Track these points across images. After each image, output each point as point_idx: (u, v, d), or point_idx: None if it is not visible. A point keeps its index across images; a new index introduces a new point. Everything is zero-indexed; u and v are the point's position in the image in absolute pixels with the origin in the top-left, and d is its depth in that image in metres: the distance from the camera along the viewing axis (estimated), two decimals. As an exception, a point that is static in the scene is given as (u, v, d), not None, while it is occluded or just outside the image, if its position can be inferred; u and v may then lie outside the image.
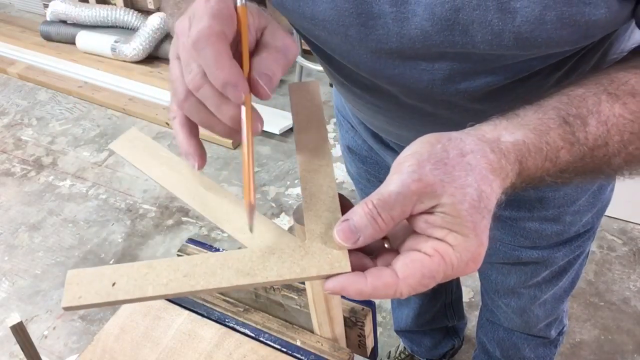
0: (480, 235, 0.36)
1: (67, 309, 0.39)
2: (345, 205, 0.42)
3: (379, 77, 0.54)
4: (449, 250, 0.36)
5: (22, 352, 0.70)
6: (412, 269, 0.36)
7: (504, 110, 0.43)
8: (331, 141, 2.27)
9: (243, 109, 0.39)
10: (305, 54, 2.17)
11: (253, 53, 0.41)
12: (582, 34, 0.43)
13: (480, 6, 0.42)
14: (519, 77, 0.51)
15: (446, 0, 0.43)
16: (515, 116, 0.41)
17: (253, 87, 0.40)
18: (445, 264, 0.36)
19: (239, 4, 0.40)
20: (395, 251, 0.39)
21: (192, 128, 0.43)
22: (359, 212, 0.36)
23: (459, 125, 0.59)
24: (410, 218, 0.37)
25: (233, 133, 0.41)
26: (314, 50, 0.59)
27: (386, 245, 0.41)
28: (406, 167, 0.36)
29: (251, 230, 0.41)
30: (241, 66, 0.39)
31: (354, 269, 0.38)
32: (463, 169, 0.36)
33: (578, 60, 0.53)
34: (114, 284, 0.39)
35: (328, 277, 0.38)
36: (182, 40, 0.40)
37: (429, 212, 0.36)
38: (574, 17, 0.41)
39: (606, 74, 0.44)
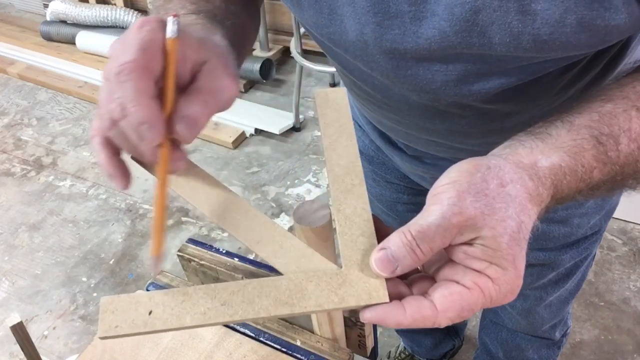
0: (518, 267, 0.36)
1: (103, 338, 0.38)
2: (379, 227, 0.42)
3: (391, 77, 0.53)
4: (489, 283, 0.36)
5: (22, 352, 0.70)
6: (451, 302, 0.36)
7: (530, 127, 0.43)
8: (331, 141, 2.27)
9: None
10: (306, 54, 2.17)
11: (185, 89, 0.40)
12: (600, 38, 0.43)
13: (501, 7, 0.42)
14: (531, 78, 0.51)
15: (467, 0, 0.42)
16: (549, 136, 0.41)
17: (173, 129, 0.39)
18: (484, 297, 0.36)
19: (169, 35, 0.39)
20: (430, 277, 0.39)
21: (114, 148, 0.42)
22: (397, 242, 0.36)
23: (468, 124, 0.60)
24: (449, 248, 0.37)
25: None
26: (325, 49, 0.59)
27: (419, 268, 0.40)
28: (446, 199, 0.36)
29: (153, 278, 0.40)
30: (166, 104, 0.39)
31: (390, 296, 0.38)
32: (503, 200, 0.36)
33: (589, 62, 0.53)
34: (150, 312, 0.38)
35: (366, 306, 0.38)
36: (110, 65, 0.39)
37: (468, 243, 0.36)
38: (594, 21, 0.41)
39: (631, 86, 0.44)
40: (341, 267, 0.40)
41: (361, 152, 0.89)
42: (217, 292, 0.39)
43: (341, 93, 0.51)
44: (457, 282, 0.36)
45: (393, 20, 0.46)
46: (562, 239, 0.78)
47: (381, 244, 0.37)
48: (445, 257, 0.39)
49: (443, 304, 0.36)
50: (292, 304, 0.38)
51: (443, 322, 0.36)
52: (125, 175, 0.42)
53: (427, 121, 0.61)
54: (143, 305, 0.38)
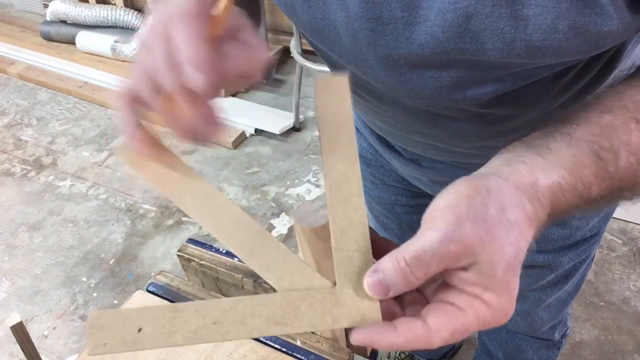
0: (512, 292, 0.36)
1: (92, 355, 0.37)
2: (374, 240, 0.40)
3: (385, 82, 0.53)
4: (483, 307, 0.35)
5: (22, 352, 0.70)
6: (445, 322, 0.35)
7: (527, 130, 0.42)
8: (331, 141, 2.27)
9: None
10: (306, 54, 2.17)
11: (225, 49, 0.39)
12: (593, 44, 0.43)
13: (493, 13, 0.41)
14: (526, 84, 0.51)
15: (459, 6, 0.42)
16: (548, 151, 0.40)
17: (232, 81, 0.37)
18: (478, 320, 0.35)
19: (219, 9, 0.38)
20: (424, 299, 0.39)
21: (138, 113, 0.41)
22: (391, 268, 0.35)
23: (464, 128, 0.60)
24: (444, 271, 0.36)
25: (192, 134, 0.39)
26: (320, 53, 0.59)
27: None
28: (444, 225, 0.35)
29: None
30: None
31: (382, 316, 0.37)
32: (503, 227, 0.35)
33: (585, 67, 0.53)
34: (140, 330, 0.37)
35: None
36: (158, 15, 0.38)
37: (464, 268, 0.36)
38: (586, 27, 0.41)
39: (629, 95, 0.44)
40: (335, 284, 0.38)
41: (359, 155, 0.89)
42: (208, 310, 0.37)
43: (343, 82, 0.45)
44: (452, 304, 0.36)
45: (386, 26, 0.46)
46: (561, 241, 0.78)
47: (375, 266, 0.36)
48: (440, 277, 0.38)
49: (437, 323, 0.35)
50: (285, 324, 0.37)
51: (436, 342, 0.35)
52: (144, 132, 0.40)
53: (422, 125, 0.61)
54: (131, 322, 0.37)
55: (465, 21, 0.42)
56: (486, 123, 0.58)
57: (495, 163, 0.41)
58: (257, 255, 0.40)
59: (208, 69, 0.35)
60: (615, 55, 0.54)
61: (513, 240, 0.36)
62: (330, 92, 0.45)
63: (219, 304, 0.38)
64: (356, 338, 0.36)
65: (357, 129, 0.86)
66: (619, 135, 0.41)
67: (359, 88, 0.60)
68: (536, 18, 0.41)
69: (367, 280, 0.36)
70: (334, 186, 0.41)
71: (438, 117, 0.57)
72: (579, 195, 0.40)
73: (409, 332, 0.35)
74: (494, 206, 0.36)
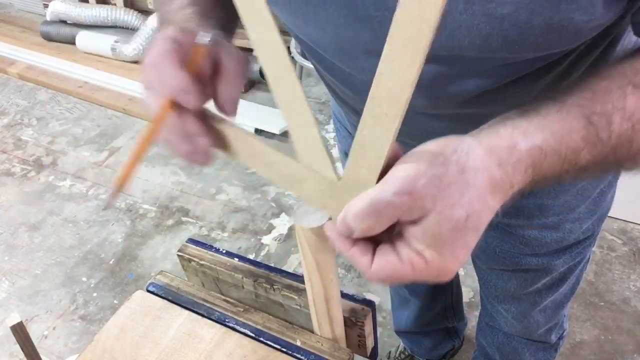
0: (457, 255, 0.37)
1: None
2: (395, 157, 0.40)
3: (369, 75, 0.54)
4: (421, 264, 0.37)
5: (22, 352, 0.70)
6: (382, 268, 0.39)
7: (522, 105, 0.42)
8: (331, 141, 2.27)
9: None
10: (305, 54, 2.17)
11: (213, 77, 0.45)
12: (570, 38, 0.43)
13: (467, 10, 0.42)
14: (507, 81, 0.51)
15: None
16: (537, 115, 0.40)
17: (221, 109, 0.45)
18: (414, 273, 0.38)
19: (202, 41, 0.44)
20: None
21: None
22: (351, 212, 0.38)
23: (446, 128, 0.59)
24: (399, 222, 0.38)
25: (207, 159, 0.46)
26: (305, 49, 0.60)
27: None
28: (402, 177, 0.36)
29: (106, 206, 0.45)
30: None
31: None
32: (458, 189, 0.36)
33: (570, 64, 0.53)
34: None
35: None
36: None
37: (414, 222, 0.37)
38: (561, 23, 0.41)
39: (630, 64, 0.43)
40: (339, 178, 0.42)
41: (346, 153, 0.89)
42: (254, 148, 0.46)
43: None
44: (397, 253, 0.38)
45: (364, 24, 0.47)
46: (555, 245, 0.78)
47: (348, 205, 0.39)
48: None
49: (378, 264, 0.39)
50: (290, 184, 0.45)
51: (372, 279, 0.39)
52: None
53: (406, 124, 0.62)
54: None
55: (440, 19, 0.43)
56: (468, 122, 0.58)
57: (483, 125, 0.42)
58: (295, 127, 0.44)
59: (193, 89, 0.42)
60: (601, 56, 0.54)
61: (466, 202, 0.36)
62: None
63: (265, 151, 0.46)
64: (326, 227, 0.42)
65: (348, 131, 0.86)
66: (612, 99, 0.41)
67: (342, 84, 0.61)
68: (510, 15, 0.41)
69: (339, 217, 0.39)
70: (373, 100, 0.38)
71: (419, 115, 0.58)
72: (565, 159, 0.40)
73: (357, 257, 0.40)
74: (455, 167, 0.36)
